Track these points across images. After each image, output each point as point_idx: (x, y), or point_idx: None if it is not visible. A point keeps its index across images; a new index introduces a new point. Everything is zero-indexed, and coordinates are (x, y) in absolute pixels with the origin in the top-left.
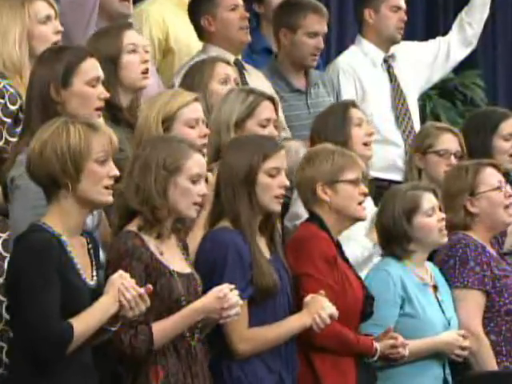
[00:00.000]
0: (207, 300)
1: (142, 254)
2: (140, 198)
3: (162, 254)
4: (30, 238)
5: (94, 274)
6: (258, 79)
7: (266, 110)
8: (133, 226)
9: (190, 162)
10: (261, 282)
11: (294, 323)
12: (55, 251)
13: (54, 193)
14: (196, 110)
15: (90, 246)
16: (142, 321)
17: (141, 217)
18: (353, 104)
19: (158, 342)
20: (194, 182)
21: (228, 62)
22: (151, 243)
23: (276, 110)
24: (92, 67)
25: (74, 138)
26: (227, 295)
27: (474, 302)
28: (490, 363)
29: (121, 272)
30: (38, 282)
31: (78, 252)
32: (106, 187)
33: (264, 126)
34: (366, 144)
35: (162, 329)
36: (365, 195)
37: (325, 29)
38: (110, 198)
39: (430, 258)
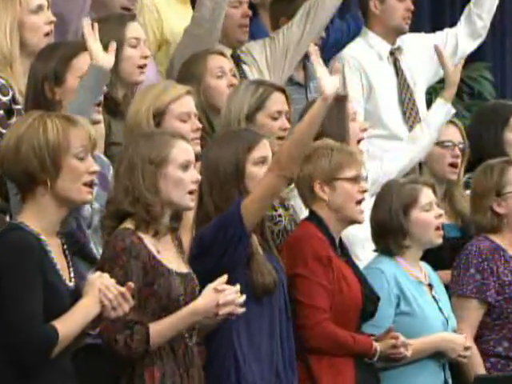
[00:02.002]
0: (203, 300)
1: (140, 251)
2: (131, 199)
3: (159, 252)
4: (10, 236)
5: (72, 275)
6: (258, 72)
7: (276, 102)
8: (128, 224)
9: (174, 150)
10: (262, 279)
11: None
12: (37, 251)
13: (29, 190)
14: (188, 104)
15: (65, 246)
16: (137, 321)
17: (134, 217)
18: (347, 98)
19: (155, 342)
20: (184, 169)
21: (221, 53)
22: (148, 241)
23: (288, 101)
24: (86, 61)
25: (52, 133)
26: (225, 290)
27: (470, 310)
28: (479, 372)
29: (99, 272)
30: (21, 282)
31: (56, 252)
32: (86, 184)
33: (275, 119)
34: (358, 141)
35: (158, 329)
36: (364, 193)
37: None
38: (90, 196)
39: (429, 260)
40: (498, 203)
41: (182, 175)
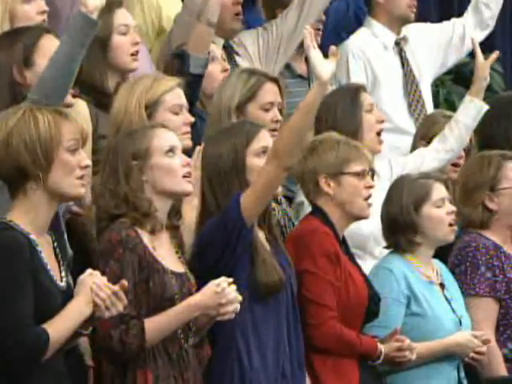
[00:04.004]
0: (204, 295)
1: (137, 245)
2: (117, 201)
3: (154, 249)
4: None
5: (63, 274)
6: (250, 64)
7: (269, 93)
8: (124, 219)
9: (156, 140)
10: (266, 278)
11: None
12: (26, 251)
13: (20, 186)
14: (180, 96)
15: (55, 244)
16: (133, 315)
17: (127, 216)
18: (363, 88)
19: (151, 338)
20: (170, 156)
21: None
22: (144, 236)
23: (281, 92)
24: (52, 43)
25: (44, 126)
26: (225, 289)
27: (486, 310)
28: (500, 373)
29: (90, 270)
30: (10, 284)
31: (47, 251)
32: (78, 178)
33: (267, 110)
34: (377, 134)
35: (154, 325)
36: (370, 188)
37: None
38: (83, 190)
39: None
40: (490, 198)
41: (170, 161)
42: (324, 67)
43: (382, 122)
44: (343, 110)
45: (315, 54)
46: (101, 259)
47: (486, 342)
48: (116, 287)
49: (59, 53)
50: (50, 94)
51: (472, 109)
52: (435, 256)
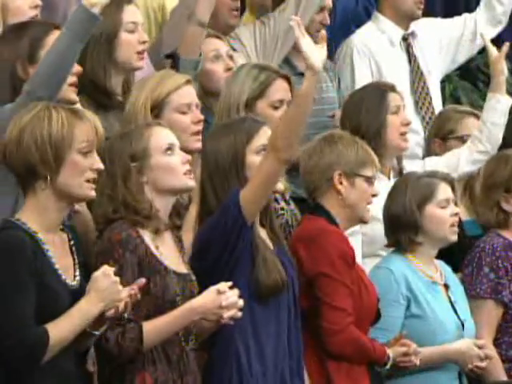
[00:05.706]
0: (205, 298)
1: (137, 246)
2: (115, 205)
3: (157, 248)
4: (1, 236)
5: (77, 273)
6: (247, 59)
7: (279, 90)
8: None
9: (153, 138)
10: (267, 277)
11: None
12: (29, 251)
13: (30, 184)
14: (188, 94)
15: (71, 242)
16: (131, 319)
17: (126, 218)
18: (391, 88)
19: (149, 342)
20: (169, 154)
21: (216, 36)
22: (146, 236)
23: (291, 89)
24: None
25: (56, 125)
26: (226, 292)
27: (486, 312)
28: (498, 379)
29: (105, 268)
30: (9, 283)
31: (58, 250)
32: (88, 180)
33: (276, 108)
34: (401, 134)
35: (153, 328)
36: (374, 197)
37: (330, 3)
38: (93, 193)
39: (447, 260)
40: (506, 200)
41: (170, 160)
42: (315, 56)
43: (408, 124)
44: (368, 109)
45: (306, 42)
46: (100, 259)
47: (488, 357)
48: (136, 289)
49: (55, 46)
50: (40, 87)
51: (496, 105)
52: (443, 258)
